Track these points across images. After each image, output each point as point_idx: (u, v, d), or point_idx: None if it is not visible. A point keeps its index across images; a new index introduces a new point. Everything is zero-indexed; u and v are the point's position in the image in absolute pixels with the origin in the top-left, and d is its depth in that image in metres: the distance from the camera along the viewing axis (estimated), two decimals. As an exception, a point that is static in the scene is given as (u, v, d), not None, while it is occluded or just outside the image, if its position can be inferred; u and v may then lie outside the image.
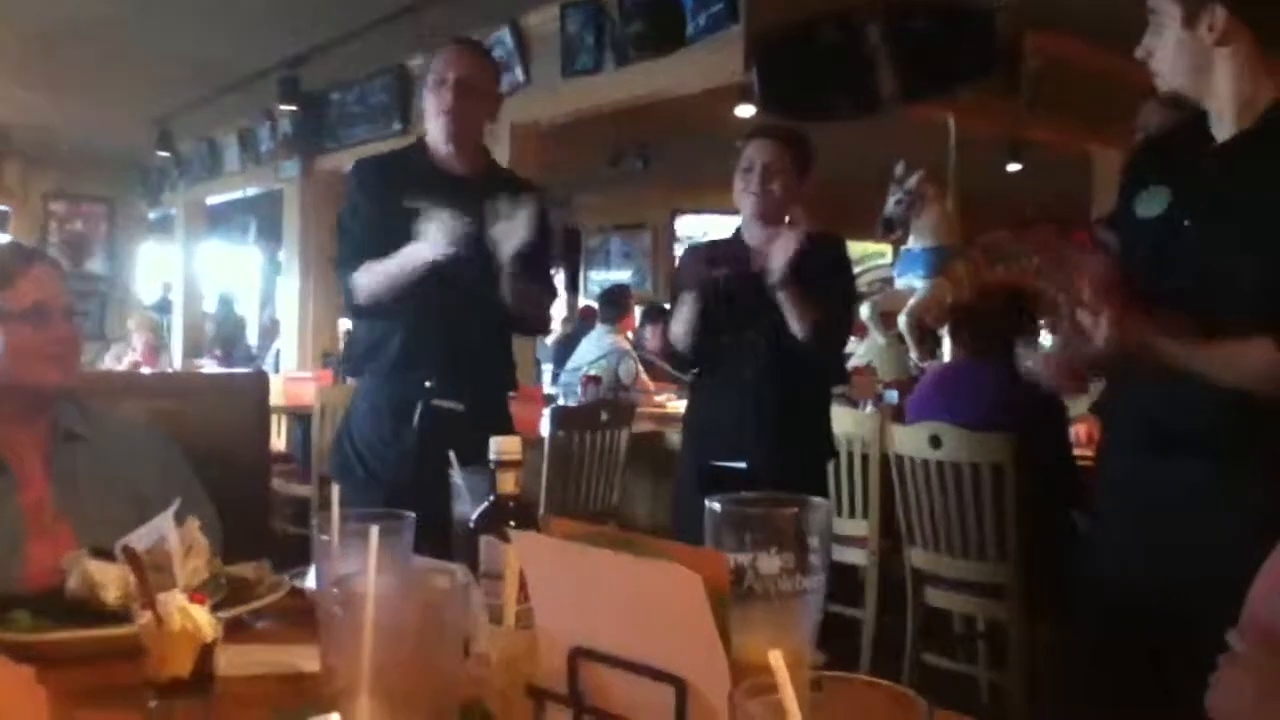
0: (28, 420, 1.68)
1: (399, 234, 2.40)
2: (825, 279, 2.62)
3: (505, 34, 5.44)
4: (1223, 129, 1.66)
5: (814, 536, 0.88)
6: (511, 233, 2.34)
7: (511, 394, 2.71)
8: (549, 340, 8.28)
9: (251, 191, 8.27)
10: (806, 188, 2.70)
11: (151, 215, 9.77)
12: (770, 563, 0.85)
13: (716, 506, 0.88)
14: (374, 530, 0.88)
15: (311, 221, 7.35)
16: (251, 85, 6.69)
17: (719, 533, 0.87)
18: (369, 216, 2.52)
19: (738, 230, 2.76)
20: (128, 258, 9.95)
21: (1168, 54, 1.66)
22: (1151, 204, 1.70)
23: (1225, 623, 1.18)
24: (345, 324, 7.84)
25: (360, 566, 0.89)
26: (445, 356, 2.49)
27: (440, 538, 1.48)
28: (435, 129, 2.52)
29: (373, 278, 2.44)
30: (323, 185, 7.20)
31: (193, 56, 6.18)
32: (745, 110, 4.96)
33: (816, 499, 0.89)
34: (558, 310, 10.93)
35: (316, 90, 6.71)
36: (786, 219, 2.71)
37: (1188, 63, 1.65)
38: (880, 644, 3.53)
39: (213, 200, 8.91)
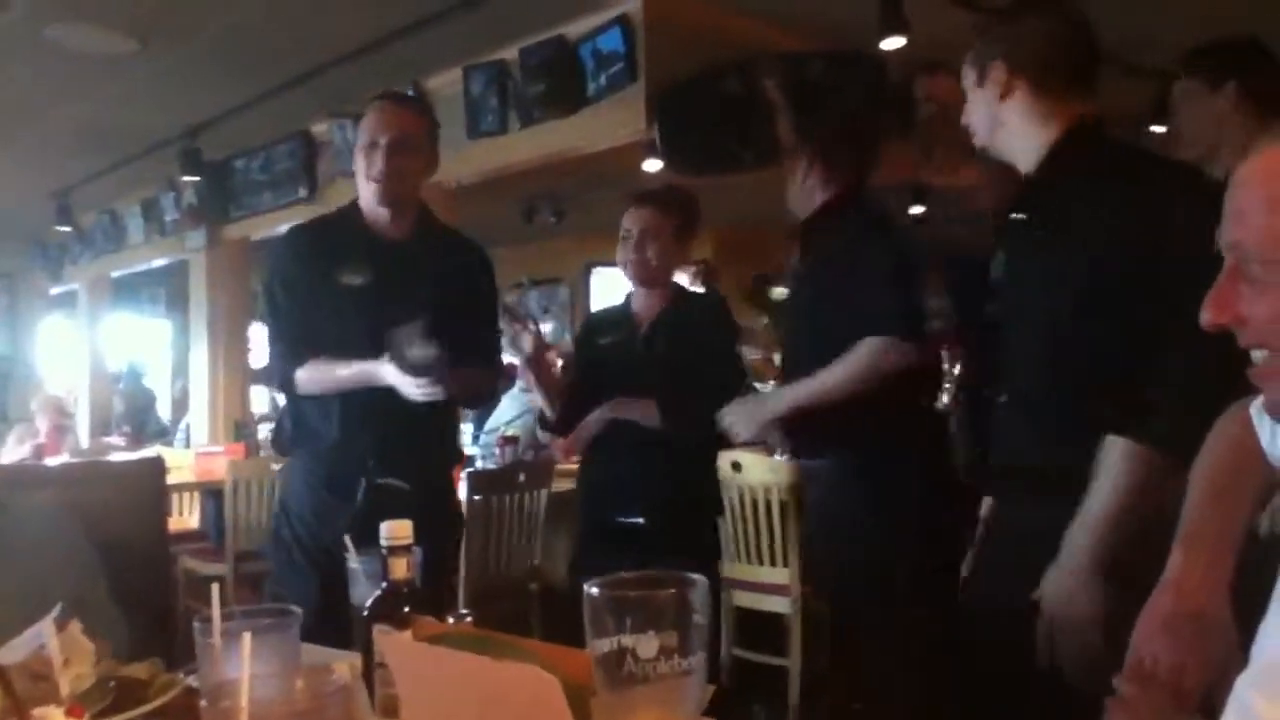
0: None
1: (335, 306, 2.32)
2: (703, 337, 2.66)
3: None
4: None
5: (695, 613, 0.88)
6: (418, 363, 2.22)
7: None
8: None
9: (158, 263, 8.10)
10: (691, 247, 2.74)
11: (54, 290, 9.51)
12: (649, 646, 0.84)
13: (594, 591, 0.86)
14: (247, 638, 0.86)
15: (219, 291, 7.22)
16: (153, 154, 6.58)
17: (597, 617, 0.86)
18: (302, 290, 2.40)
19: (628, 296, 2.80)
20: (29, 335, 9.67)
21: (971, 113, 1.82)
22: (997, 267, 1.84)
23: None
24: (258, 395, 7.68)
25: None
26: (386, 435, 2.38)
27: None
28: (367, 193, 2.38)
29: (320, 378, 2.33)
30: (229, 254, 7.08)
31: (91, 126, 6.05)
32: (653, 164, 5.01)
33: (696, 576, 0.88)
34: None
35: (220, 158, 6.63)
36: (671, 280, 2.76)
37: (984, 120, 1.79)
38: (809, 692, 3.53)
39: (118, 273, 8.70)
